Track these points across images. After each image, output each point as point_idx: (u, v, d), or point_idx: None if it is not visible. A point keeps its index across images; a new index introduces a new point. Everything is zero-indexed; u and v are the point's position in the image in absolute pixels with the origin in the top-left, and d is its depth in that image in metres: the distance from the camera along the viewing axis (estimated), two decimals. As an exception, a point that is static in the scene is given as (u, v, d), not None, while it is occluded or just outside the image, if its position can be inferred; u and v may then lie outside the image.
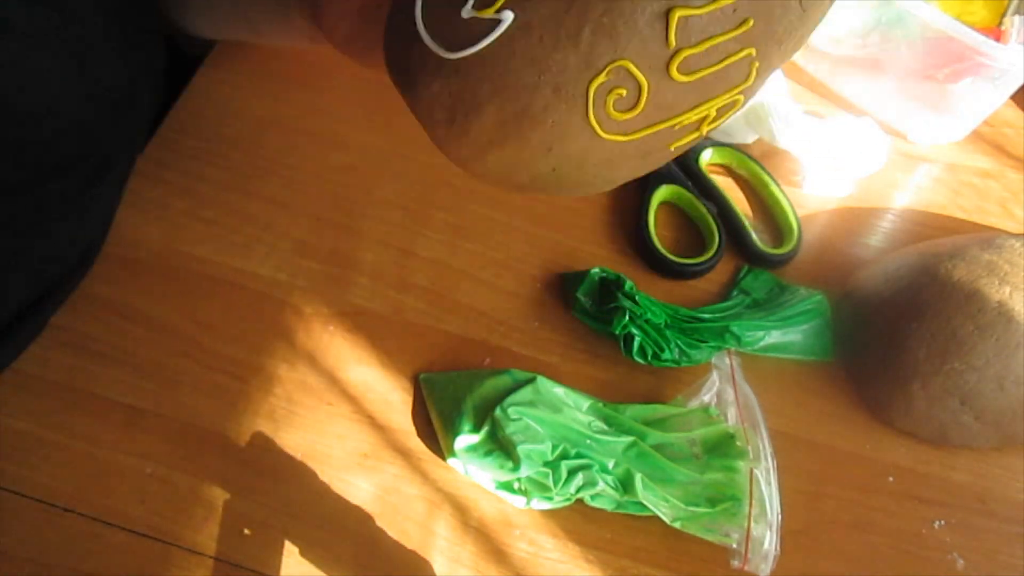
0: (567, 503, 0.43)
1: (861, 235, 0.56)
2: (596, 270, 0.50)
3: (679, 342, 0.47)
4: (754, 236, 0.53)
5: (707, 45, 0.26)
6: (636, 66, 0.26)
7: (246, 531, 0.42)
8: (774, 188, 0.56)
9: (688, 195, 0.55)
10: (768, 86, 0.56)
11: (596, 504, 0.43)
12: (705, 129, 0.29)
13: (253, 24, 0.51)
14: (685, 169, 0.56)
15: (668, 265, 0.52)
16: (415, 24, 0.28)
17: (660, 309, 0.48)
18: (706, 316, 0.49)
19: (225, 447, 0.44)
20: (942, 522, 0.45)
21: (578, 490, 0.41)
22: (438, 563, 0.42)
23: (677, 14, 0.25)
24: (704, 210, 0.54)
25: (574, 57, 0.26)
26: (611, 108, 0.26)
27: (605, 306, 0.48)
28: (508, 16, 0.25)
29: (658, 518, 0.42)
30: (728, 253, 0.53)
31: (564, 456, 0.42)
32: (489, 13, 0.26)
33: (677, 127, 0.28)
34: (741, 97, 0.28)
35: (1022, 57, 0.52)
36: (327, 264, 0.51)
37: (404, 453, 0.45)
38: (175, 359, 0.46)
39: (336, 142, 0.56)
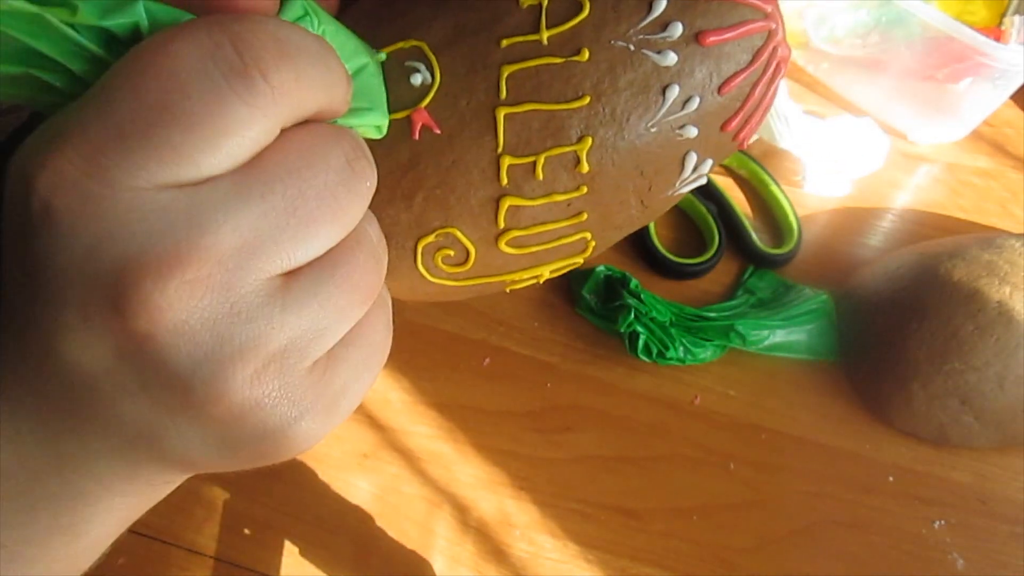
0: None
1: (861, 235, 0.56)
2: (601, 268, 0.50)
3: (684, 340, 0.47)
4: (754, 236, 0.53)
5: (538, 230, 0.26)
6: (464, 235, 0.26)
7: (246, 531, 0.42)
8: (774, 188, 0.56)
9: (688, 195, 0.55)
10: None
11: None
12: (544, 278, 0.29)
13: None
14: (685, 169, 0.56)
15: (668, 265, 0.52)
16: None
17: (665, 307, 0.49)
18: (711, 315, 0.49)
19: (225, 447, 0.44)
20: (942, 522, 0.45)
21: None
22: (438, 563, 0.42)
23: (508, 202, 0.25)
24: (704, 210, 0.54)
25: (406, 215, 0.26)
26: (439, 262, 0.27)
27: (610, 304, 0.48)
28: None
29: (658, 517, 0.42)
30: (728, 253, 0.53)
31: None
32: None
33: (509, 281, 0.29)
34: (580, 260, 0.29)
35: (1022, 57, 0.52)
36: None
37: (404, 453, 0.45)
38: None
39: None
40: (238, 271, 0.17)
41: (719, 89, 0.25)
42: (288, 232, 0.17)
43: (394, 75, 0.25)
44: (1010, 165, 0.61)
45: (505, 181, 0.25)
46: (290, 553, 0.42)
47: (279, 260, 0.17)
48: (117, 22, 0.18)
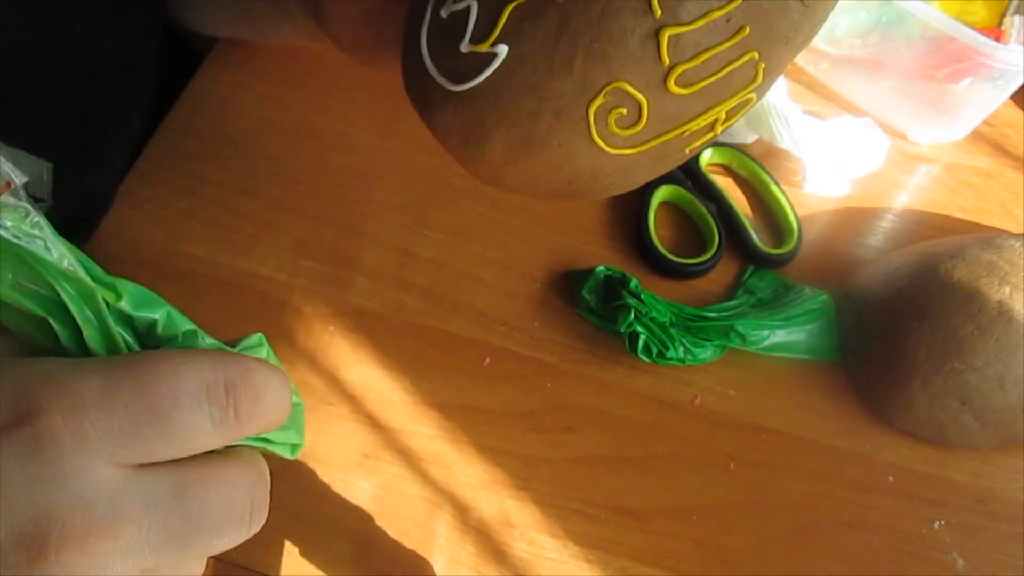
0: None
1: (861, 235, 0.56)
2: (601, 268, 0.50)
3: (684, 340, 0.47)
4: (754, 236, 0.53)
5: (704, 57, 0.25)
6: (633, 86, 0.26)
7: (246, 531, 0.42)
8: (774, 188, 0.56)
9: (688, 195, 0.55)
10: (768, 86, 0.56)
11: None
12: (720, 129, 0.29)
13: (256, 23, 0.52)
14: (685, 169, 0.56)
15: (668, 265, 0.52)
16: (422, 57, 0.29)
17: (665, 307, 0.49)
18: (711, 315, 0.49)
19: (225, 447, 0.44)
20: (942, 522, 0.45)
21: None
22: (438, 563, 0.42)
23: (667, 33, 0.25)
24: (704, 210, 0.54)
25: (570, 83, 0.26)
26: (614, 126, 0.27)
27: (610, 304, 0.48)
28: (503, 50, 0.26)
29: (658, 517, 0.42)
30: (728, 253, 0.53)
31: None
32: (484, 47, 0.27)
33: (687, 133, 0.28)
34: (753, 96, 0.28)
35: (1022, 57, 0.52)
36: (327, 264, 0.51)
37: (404, 453, 0.45)
38: (175, 359, 0.46)
39: (336, 142, 0.56)
40: (121, 560, 0.20)
41: None
42: (168, 545, 0.21)
43: None
44: (1010, 165, 0.61)
45: (659, 12, 0.24)
46: (290, 553, 0.42)
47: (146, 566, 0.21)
48: (143, 315, 0.23)
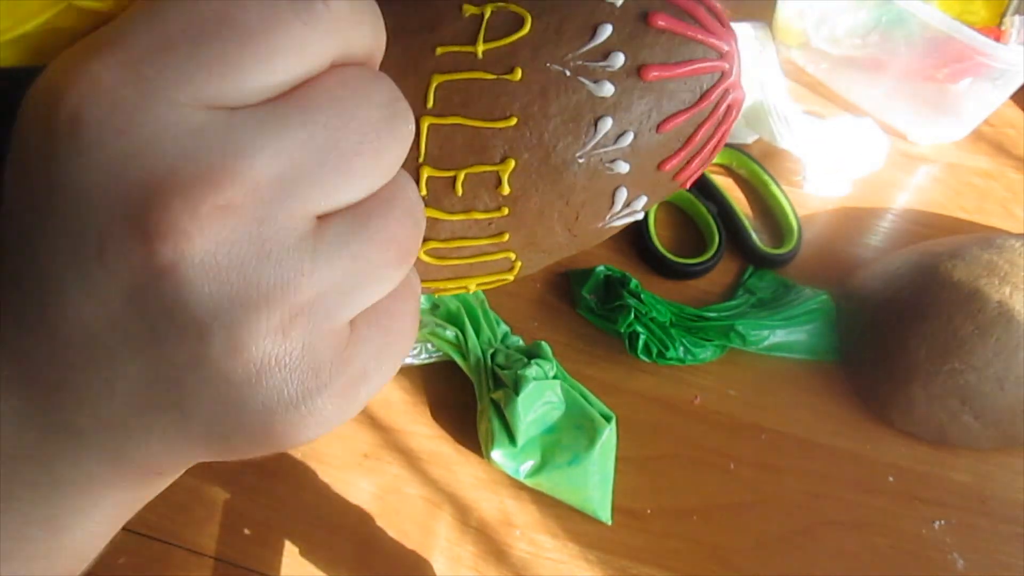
0: None
1: (861, 235, 0.56)
2: (601, 268, 0.50)
3: (684, 340, 0.47)
4: (754, 236, 0.53)
5: (457, 244, 0.25)
6: None
7: (246, 531, 0.42)
8: (774, 188, 0.56)
9: (688, 195, 0.55)
10: (769, 86, 0.56)
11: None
12: (473, 289, 0.28)
13: None
14: (685, 169, 0.56)
15: (668, 265, 0.52)
16: None
17: (665, 307, 0.49)
18: (711, 315, 0.49)
19: (225, 447, 0.44)
20: (942, 522, 0.45)
21: None
22: (438, 563, 0.42)
23: (427, 213, 0.24)
24: (704, 210, 0.54)
25: None
26: None
27: (610, 304, 0.48)
28: None
29: (658, 517, 0.42)
30: (728, 253, 0.53)
31: None
32: None
33: (433, 288, 0.28)
34: (509, 277, 0.28)
35: (1022, 57, 0.52)
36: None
37: (404, 453, 0.45)
38: (175, 359, 0.46)
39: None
40: (272, 203, 0.15)
41: (658, 127, 0.23)
42: (328, 167, 0.16)
43: None
44: (1011, 165, 0.61)
45: (424, 192, 0.24)
46: (290, 553, 0.42)
47: (315, 197, 0.16)
48: None
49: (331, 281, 0.16)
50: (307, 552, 0.42)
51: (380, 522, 0.43)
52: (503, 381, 0.44)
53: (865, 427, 0.48)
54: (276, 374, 0.16)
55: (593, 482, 0.43)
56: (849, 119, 0.58)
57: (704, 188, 0.55)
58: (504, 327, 0.48)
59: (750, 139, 0.58)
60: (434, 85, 0.23)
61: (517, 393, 0.42)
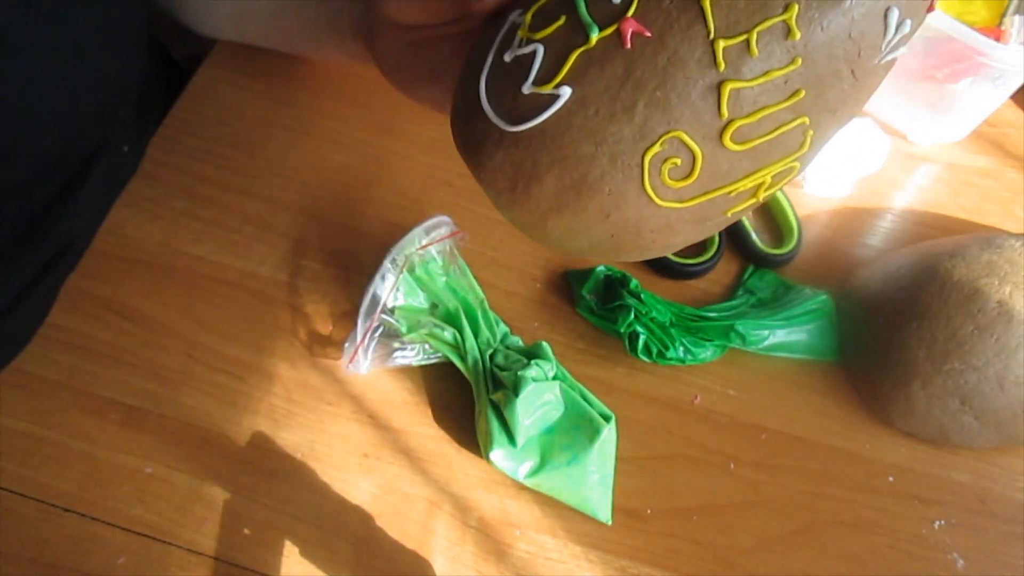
0: None
1: (861, 235, 0.56)
2: (601, 268, 0.50)
3: (684, 340, 0.47)
4: (754, 236, 0.53)
5: (760, 115, 0.26)
6: (690, 136, 0.27)
7: (246, 531, 0.42)
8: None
9: (688, 195, 0.55)
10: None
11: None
12: (761, 195, 0.30)
13: (293, 38, 0.52)
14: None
15: (668, 265, 0.52)
16: (480, 100, 0.29)
17: (665, 307, 0.49)
18: (711, 315, 0.49)
19: (225, 447, 0.44)
20: (942, 522, 0.45)
21: None
22: (438, 563, 0.42)
23: (728, 87, 0.26)
24: (704, 210, 0.54)
25: (629, 129, 0.27)
26: (666, 176, 0.27)
27: (610, 304, 0.48)
28: (566, 92, 0.27)
29: (658, 517, 0.42)
30: (728, 253, 0.53)
31: None
32: (548, 89, 0.27)
33: (732, 194, 0.29)
34: (797, 164, 0.29)
35: (1022, 57, 0.52)
36: (327, 264, 0.51)
37: (404, 453, 0.45)
38: (175, 359, 0.46)
39: (336, 142, 0.56)
40: None
41: None
42: None
43: (595, 0, 0.26)
44: (1011, 165, 0.61)
45: (723, 65, 0.25)
46: (290, 553, 0.42)
47: None
48: None
49: None
50: (307, 552, 0.42)
51: (380, 522, 0.43)
52: (502, 382, 0.44)
53: (865, 427, 0.48)
54: None
55: (592, 482, 0.43)
56: (849, 119, 0.58)
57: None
58: (504, 327, 0.48)
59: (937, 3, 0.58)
60: None
61: (516, 394, 0.42)
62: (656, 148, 0.27)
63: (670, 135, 0.26)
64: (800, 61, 0.26)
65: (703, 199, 0.28)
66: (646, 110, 0.26)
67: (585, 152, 0.27)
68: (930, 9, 0.28)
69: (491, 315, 0.47)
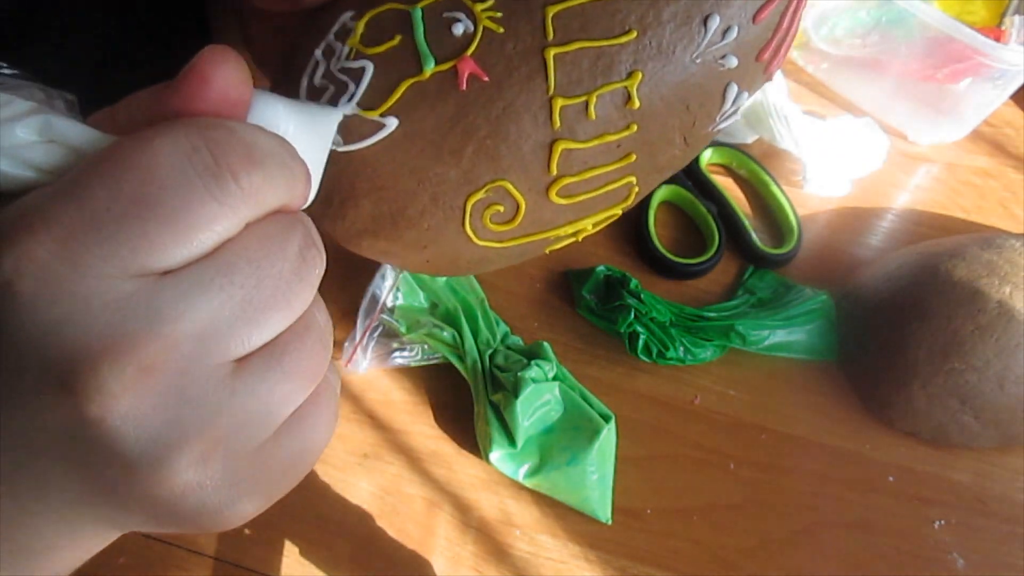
0: None
1: (861, 235, 0.56)
2: (602, 268, 0.50)
3: (684, 340, 0.47)
4: (754, 236, 0.53)
5: (589, 175, 0.26)
6: (515, 187, 0.26)
7: (246, 531, 0.42)
8: (774, 188, 0.56)
9: (688, 195, 0.55)
10: (769, 86, 0.56)
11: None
12: (581, 237, 0.29)
13: None
14: (685, 169, 0.56)
15: (668, 265, 0.52)
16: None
17: (665, 307, 0.49)
18: (711, 315, 0.49)
19: (225, 447, 0.44)
20: (942, 522, 0.45)
21: None
22: (438, 563, 0.42)
23: (561, 146, 0.25)
24: (704, 210, 0.54)
25: (454, 172, 0.26)
26: (488, 220, 0.27)
27: (610, 304, 0.48)
28: (392, 123, 0.25)
29: (658, 517, 0.42)
30: (728, 253, 0.53)
31: None
32: (373, 115, 0.25)
33: (552, 238, 0.28)
34: (619, 212, 0.29)
35: (1022, 57, 0.52)
36: (327, 263, 0.51)
37: (404, 453, 0.45)
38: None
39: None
40: (192, 358, 0.17)
41: (754, 18, 0.25)
42: (243, 320, 0.18)
43: (434, 27, 0.25)
44: (1010, 165, 0.61)
45: (558, 124, 0.25)
46: (290, 553, 0.42)
47: (232, 347, 0.18)
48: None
49: (248, 413, 0.19)
50: (307, 552, 0.42)
51: (380, 522, 0.43)
52: (502, 383, 0.44)
53: (865, 427, 0.48)
54: (197, 494, 0.18)
55: (592, 482, 0.43)
56: (849, 119, 0.58)
57: (704, 188, 0.55)
58: (504, 327, 0.48)
59: (750, 139, 0.58)
60: (550, 16, 0.24)
61: (516, 396, 0.42)
62: (480, 194, 0.26)
63: (496, 184, 0.26)
64: (636, 127, 0.25)
65: (523, 241, 0.28)
66: (474, 157, 0.25)
67: (406, 187, 0.26)
68: (768, 79, 0.28)
69: (491, 315, 0.47)
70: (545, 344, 0.46)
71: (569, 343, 0.49)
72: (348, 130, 0.26)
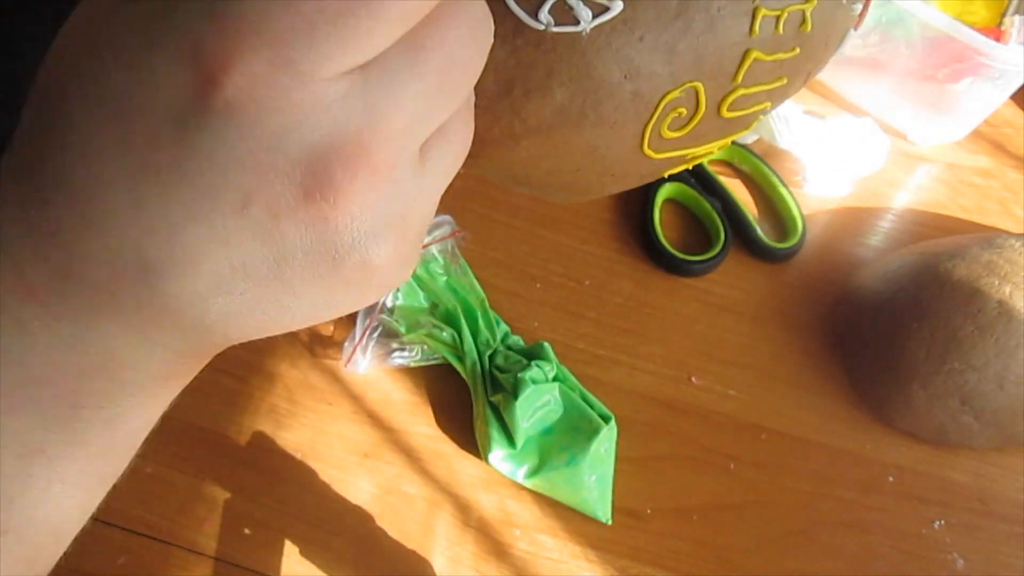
0: None
1: (861, 235, 0.56)
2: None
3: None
4: (759, 231, 0.53)
5: (755, 89, 0.26)
6: (705, 91, 0.26)
7: (246, 531, 0.42)
8: (777, 183, 0.56)
9: (692, 192, 0.55)
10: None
11: None
12: (684, 167, 0.30)
13: None
14: (686, 168, 0.56)
15: (674, 262, 0.52)
16: None
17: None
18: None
19: (225, 447, 0.44)
20: (942, 522, 0.45)
21: None
22: (439, 563, 0.42)
23: (752, 55, 0.26)
24: (708, 207, 0.54)
25: (664, 68, 0.25)
26: (665, 125, 0.27)
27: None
28: (617, 6, 0.24)
29: (658, 517, 0.42)
30: (734, 249, 0.53)
31: None
32: None
33: (688, 157, 0.28)
34: (717, 149, 0.29)
35: (1022, 57, 0.52)
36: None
37: (404, 452, 0.45)
38: (175, 359, 0.46)
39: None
40: (403, 150, 0.18)
41: None
42: (436, 105, 0.18)
43: None
44: (1010, 165, 0.61)
45: (756, 32, 0.25)
46: (290, 553, 0.42)
47: (426, 132, 0.18)
48: None
49: (431, 195, 0.19)
50: (307, 552, 0.42)
51: (380, 522, 0.43)
52: (501, 384, 0.44)
53: (865, 427, 0.48)
54: (383, 272, 0.19)
55: (592, 482, 0.43)
56: (849, 119, 0.58)
57: (708, 185, 0.55)
58: (504, 327, 0.48)
59: (750, 139, 0.58)
60: None
61: (516, 396, 0.42)
62: (676, 93, 0.26)
63: (691, 84, 0.26)
64: (798, 51, 0.26)
65: (672, 155, 0.28)
66: (685, 54, 0.25)
67: (612, 79, 0.25)
68: (857, 26, 0.29)
69: (491, 315, 0.47)
70: (545, 344, 0.46)
71: (569, 343, 0.49)
72: (562, 10, 0.25)
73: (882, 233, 0.56)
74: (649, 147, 0.27)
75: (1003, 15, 0.56)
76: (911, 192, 0.59)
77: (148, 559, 0.41)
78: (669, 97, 0.26)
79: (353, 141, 0.17)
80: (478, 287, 0.48)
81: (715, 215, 0.54)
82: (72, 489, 0.21)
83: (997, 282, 0.45)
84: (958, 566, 0.44)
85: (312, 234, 0.17)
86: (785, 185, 0.56)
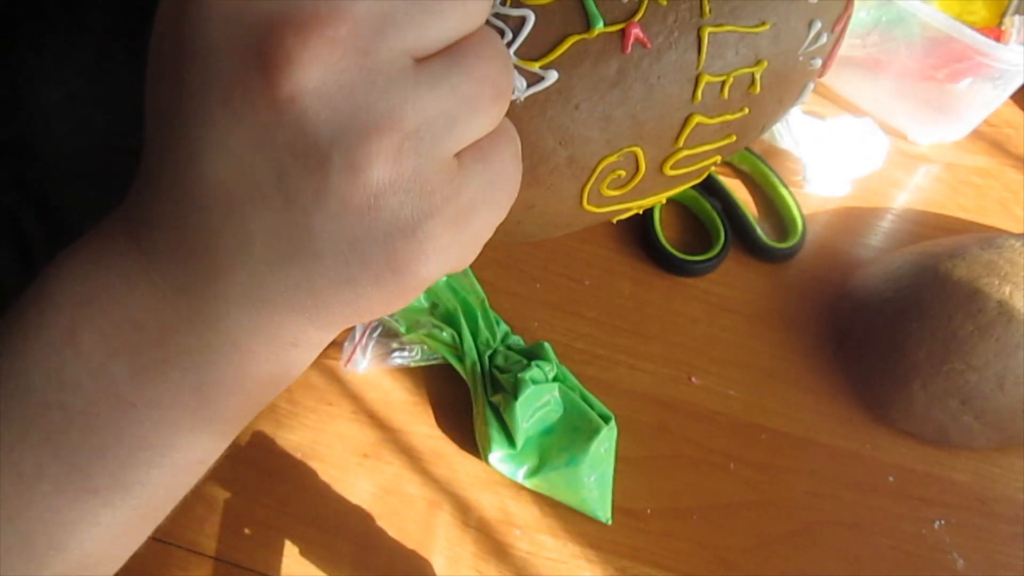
0: None
1: (861, 235, 0.56)
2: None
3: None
4: (759, 231, 0.53)
5: (699, 150, 0.27)
6: (644, 155, 0.26)
7: (246, 531, 0.42)
8: (777, 183, 0.56)
9: (692, 192, 0.55)
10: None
11: None
12: (642, 210, 0.30)
13: None
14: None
15: (675, 262, 0.52)
16: None
17: None
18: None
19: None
20: (942, 522, 0.45)
21: None
22: (438, 563, 0.42)
23: (695, 120, 0.26)
24: (708, 207, 0.54)
25: (600, 136, 0.26)
26: (605, 185, 0.27)
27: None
28: (552, 76, 0.25)
29: (658, 517, 0.42)
30: (734, 249, 0.53)
31: None
32: (533, 66, 0.25)
33: (632, 208, 0.29)
34: (666, 198, 0.30)
35: (1022, 57, 0.52)
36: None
37: (404, 452, 0.45)
38: (175, 359, 0.46)
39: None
40: (373, 37, 0.17)
41: (832, 27, 0.27)
42: (419, 6, 0.18)
43: None
44: (1010, 165, 0.61)
45: (699, 98, 0.26)
46: (290, 553, 0.42)
47: (411, 34, 0.18)
48: None
49: (434, 110, 0.18)
50: (307, 552, 0.42)
51: (380, 522, 0.43)
52: (501, 384, 0.44)
53: (865, 427, 0.48)
54: (392, 197, 0.18)
55: (592, 482, 0.43)
56: (849, 119, 0.58)
57: (708, 185, 0.55)
58: (504, 327, 0.48)
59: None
60: None
61: (516, 397, 0.42)
62: (614, 158, 0.26)
63: (629, 149, 0.26)
64: (747, 111, 0.27)
65: (614, 208, 0.28)
66: (623, 122, 0.25)
67: (546, 145, 0.26)
68: (821, 76, 0.29)
69: (491, 315, 0.47)
70: (545, 344, 0.46)
71: (569, 343, 0.49)
72: None
73: (882, 233, 0.56)
74: (589, 203, 0.27)
75: (1003, 15, 0.56)
76: (911, 192, 0.59)
77: (148, 559, 0.41)
78: (606, 161, 0.26)
79: (307, 11, 0.17)
80: (478, 287, 0.48)
81: (715, 215, 0.54)
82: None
83: (997, 282, 0.45)
84: (958, 566, 0.44)
85: (280, 119, 0.17)
86: (785, 185, 0.56)
